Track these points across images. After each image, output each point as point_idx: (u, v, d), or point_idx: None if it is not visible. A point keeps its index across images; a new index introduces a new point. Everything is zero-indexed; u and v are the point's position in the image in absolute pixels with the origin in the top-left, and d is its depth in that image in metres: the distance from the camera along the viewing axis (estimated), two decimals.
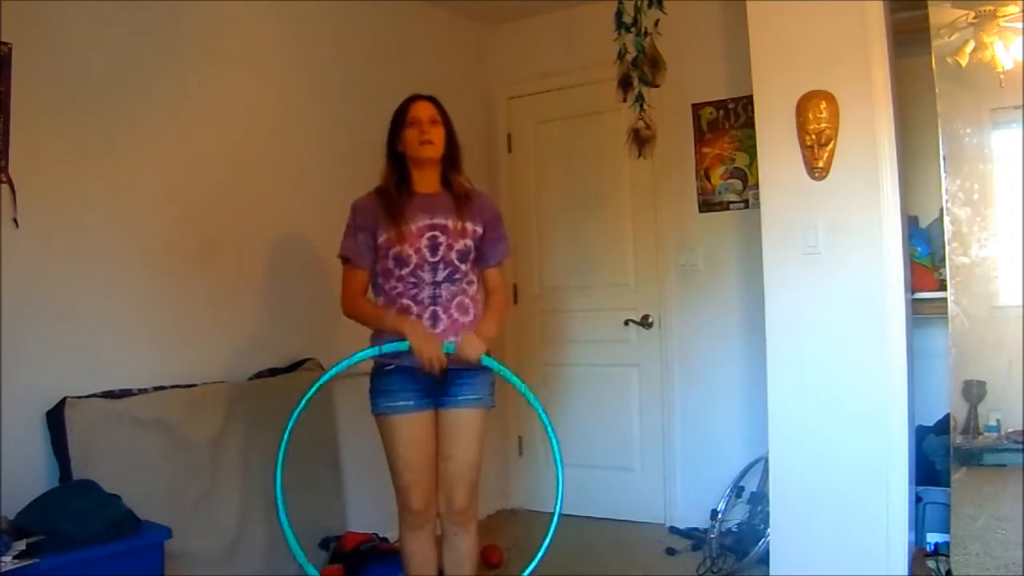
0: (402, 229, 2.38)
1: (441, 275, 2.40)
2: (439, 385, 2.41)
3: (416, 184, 2.47)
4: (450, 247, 2.40)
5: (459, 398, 2.42)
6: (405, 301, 2.40)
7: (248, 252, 3.15)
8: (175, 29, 2.90)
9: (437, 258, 2.40)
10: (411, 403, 2.39)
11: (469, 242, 2.44)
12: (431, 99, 2.52)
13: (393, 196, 2.45)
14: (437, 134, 2.45)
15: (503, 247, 2.57)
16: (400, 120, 2.49)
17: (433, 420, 2.44)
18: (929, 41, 2.71)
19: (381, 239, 2.40)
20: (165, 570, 2.38)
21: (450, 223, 2.42)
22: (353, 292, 2.47)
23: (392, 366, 2.39)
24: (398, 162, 2.49)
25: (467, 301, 2.46)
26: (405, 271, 2.39)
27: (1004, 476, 2.68)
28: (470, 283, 2.48)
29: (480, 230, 2.48)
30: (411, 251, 2.38)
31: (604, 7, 3.40)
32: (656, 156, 3.50)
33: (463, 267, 2.44)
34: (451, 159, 2.50)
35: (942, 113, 2.69)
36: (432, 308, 2.39)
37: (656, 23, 3.18)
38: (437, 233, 2.40)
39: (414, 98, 2.52)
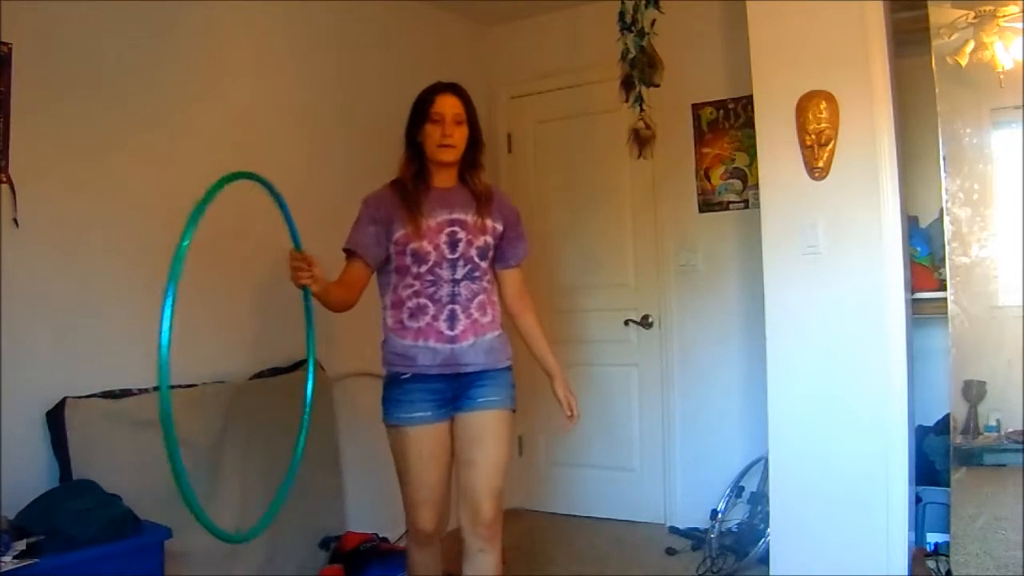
0: (420, 224, 2.26)
1: (460, 272, 2.29)
2: (458, 390, 2.30)
3: (434, 178, 2.35)
4: (470, 243, 2.29)
5: (479, 400, 2.30)
6: (422, 300, 2.28)
7: (248, 252, 3.15)
8: (175, 29, 2.89)
9: (456, 255, 2.28)
10: (428, 413, 2.27)
11: (489, 239, 2.34)
12: (457, 91, 2.34)
13: (410, 189, 2.31)
14: (460, 135, 2.30)
15: (524, 247, 2.46)
16: (422, 111, 2.32)
17: (450, 432, 2.31)
18: (929, 41, 2.71)
19: (398, 234, 2.28)
20: (165, 570, 2.37)
21: (469, 218, 2.31)
22: (345, 279, 2.32)
23: (408, 375, 2.28)
24: (417, 153, 2.34)
25: (486, 300, 2.35)
26: (423, 268, 2.27)
27: (1004, 476, 2.68)
28: (490, 282, 2.38)
29: (500, 228, 2.37)
30: (430, 247, 2.26)
31: (605, 7, 3.41)
32: (656, 156, 3.50)
33: (483, 264, 2.33)
34: (472, 159, 2.37)
35: (942, 113, 2.69)
36: (450, 307, 2.28)
37: (652, 23, 3.19)
38: (456, 229, 2.29)
39: (439, 89, 2.33)
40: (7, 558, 2.01)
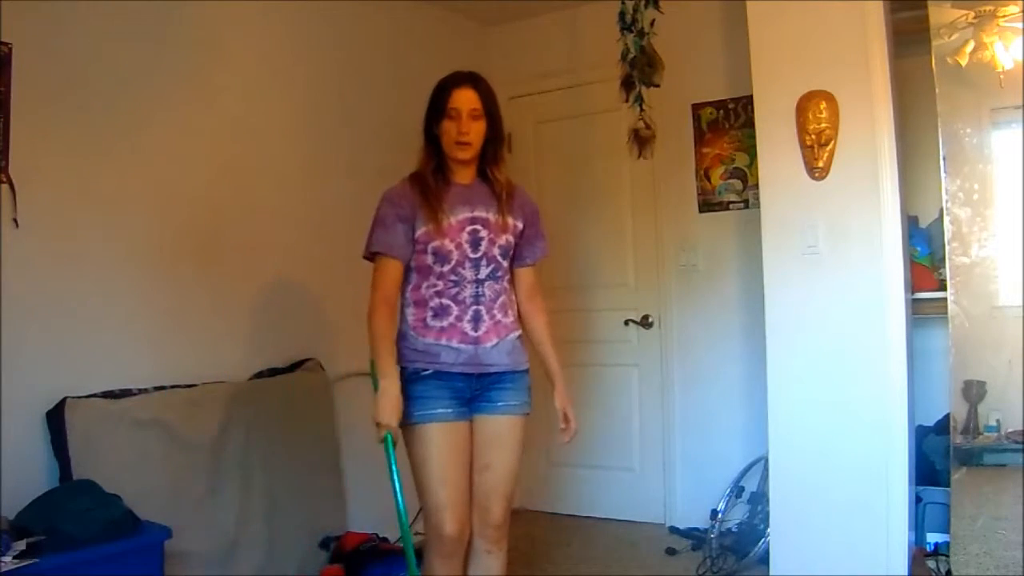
0: (442, 222, 2.17)
1: (483, 272, 2.22)
2: (478, 390, 2.25)
3: (454, 174, 2.26)
4: (492, 242, 2.22)
5: (499, 404, 2.26)
6: (445, 301, 2.20)
7: (248, 251, 3.15)
8: (175, 29, 2.90)
9: (479, 254, 2.21)
10: (449, 411, 2.19)
11: (511, 238, 2.26)
12: (474, 82, 2.25)
13: (431, 185, 2.21)
14: (476, 131, 2.21)
15: (541, 245, 2.39)
16: (439, 105, 2.23)
17: (469, 432, 2.25)
18: (929, 41, 2.71)
19: (419, 232, 2.18)
20: (165, 570, 2.38)
21: (491, 216, 2.23)
22: (388, 292, 2.19)
23: (429, 371, 2.20)
24: (435, 147, 2.25)
25: (508, 300, 2.29)
26: (446, 268, 2.19)
27: (1004, 476, 2.68)
28: (510, 281, 2.32)
29: (521, 226, 2.30)
30: (452, 246, 2.18)
31: (604, 7, 3.41)
32: (656, 156, 3.50)
33: (505, 264, 2.26)
34: (492, 153, 2.27)
35: (942, 113, 2.69)
36: (475, 308, 2.21)
37: (652, 23, 3.19)
38: (478, 227, 2.21)
39: (456, 82, 2.24)
40: (7, 558, 2.01)
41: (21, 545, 2.07)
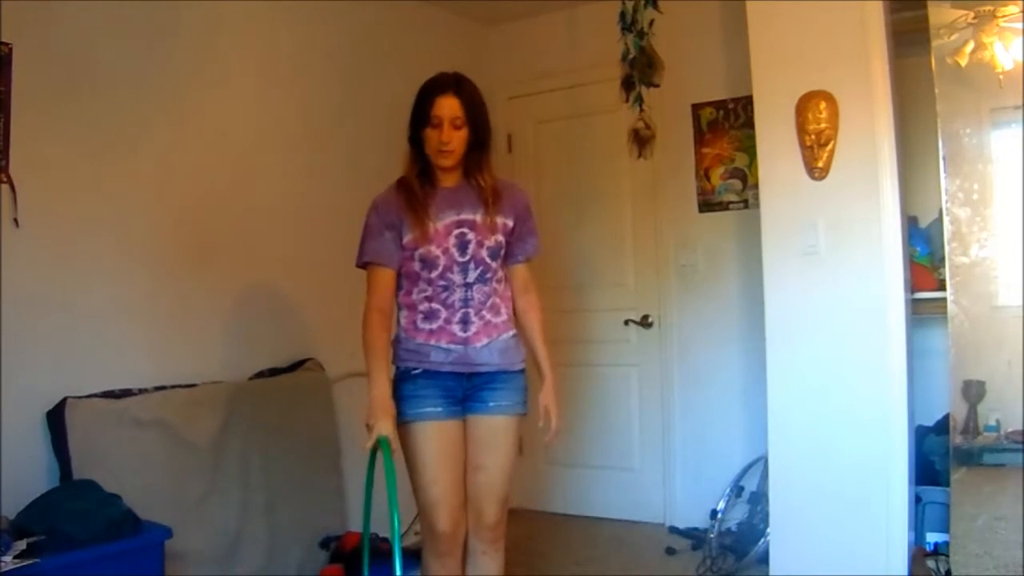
0: (427, 228, 2.18)
1: (472, 275, 2.22)
2: (470, 390, 2.25)
3: (439, 179, 2.26)
4: (480, 244, 2.21)
5: (491, 404, 2.25)
6: (434, 305, 2.22)
7: (248, 251, 3.16)
8: (175, 29, 2.90)
9: (467, 257, 2.21)
10: (439, 410, 2.20)
11: (500, 238, 2.25)
12: (458, 88, 2.20)
13: (416, 190, 2.22)
14: (458, 139, 2.19)
15: (533, 243, 2.37)
16: (422, 112, 2.20)
17: (462, 430, 2.25)
18: (929, 41, 2.71)
19: (406, 239, 2.19)
20: (165, 570, 2.38)
21: (478, 218, 2.22)
22: (380, 300, 2.20)
23: (419, 370, 2.22)
24: (420, 153, 2.24)
25: (499, 301, 2.29)
26: (434, 274, 2.20)
27: (1004, 476, 2.68)
28: (500, 281, 2.30)
29: (511, 224, 2.28)
30: (438, 251, 2.18)
31: (604, 7, 3.41)
32: (656, 156, 3.51)
33: (495, 265, 2.25)
34: (476, 161, 2.25)
35: (942, 113, 2.69)
36: (463, 311, 2.22)
37: (651, 23, 3.19)
38: (465, 230, 2.21)
39: (439, 90, 2.19)
40: (7, 558, 2.01)
41: (21, 545, 2.08)
